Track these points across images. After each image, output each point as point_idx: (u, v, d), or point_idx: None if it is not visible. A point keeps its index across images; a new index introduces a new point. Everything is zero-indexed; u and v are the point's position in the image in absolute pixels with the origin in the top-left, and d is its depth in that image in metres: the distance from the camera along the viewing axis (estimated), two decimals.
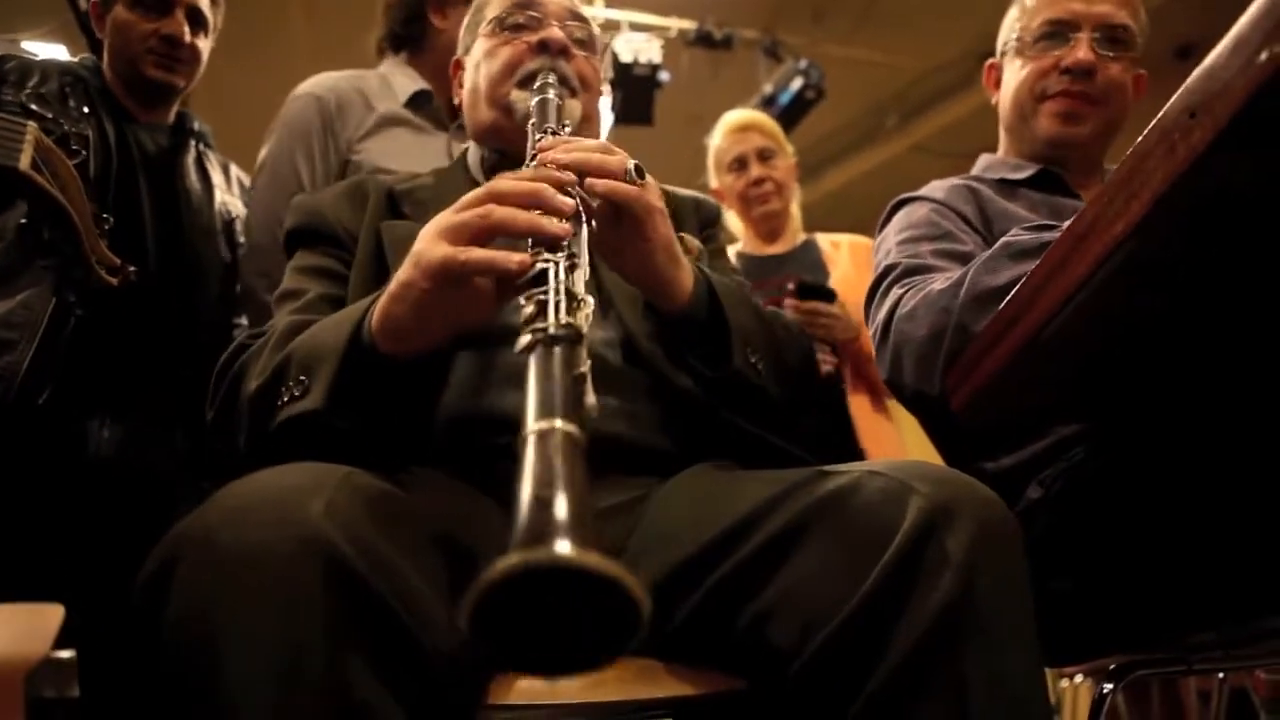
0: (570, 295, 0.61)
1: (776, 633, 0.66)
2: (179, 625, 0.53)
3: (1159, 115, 0.56)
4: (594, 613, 0.41)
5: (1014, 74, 1.31)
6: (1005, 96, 1.34)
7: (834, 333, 1.92)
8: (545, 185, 0.71)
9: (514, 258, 0.66)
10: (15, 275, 1.37)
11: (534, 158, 0.81)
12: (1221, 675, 1.47)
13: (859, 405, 1.97)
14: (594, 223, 0.75)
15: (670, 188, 1.19)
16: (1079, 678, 2.08)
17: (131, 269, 1.24)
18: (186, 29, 1.61)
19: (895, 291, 1.11)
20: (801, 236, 2.28)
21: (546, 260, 0.64)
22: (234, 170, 1.83)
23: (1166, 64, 3.95)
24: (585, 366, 0.55)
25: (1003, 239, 0.98)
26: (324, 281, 0.97)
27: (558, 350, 0.55)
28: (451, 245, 0.69)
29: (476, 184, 1.06)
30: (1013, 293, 0.78)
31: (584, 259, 0.67)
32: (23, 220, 1.13)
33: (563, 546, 0.40)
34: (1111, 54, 1.25)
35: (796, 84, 3.76)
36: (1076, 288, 0.68)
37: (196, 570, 0.54)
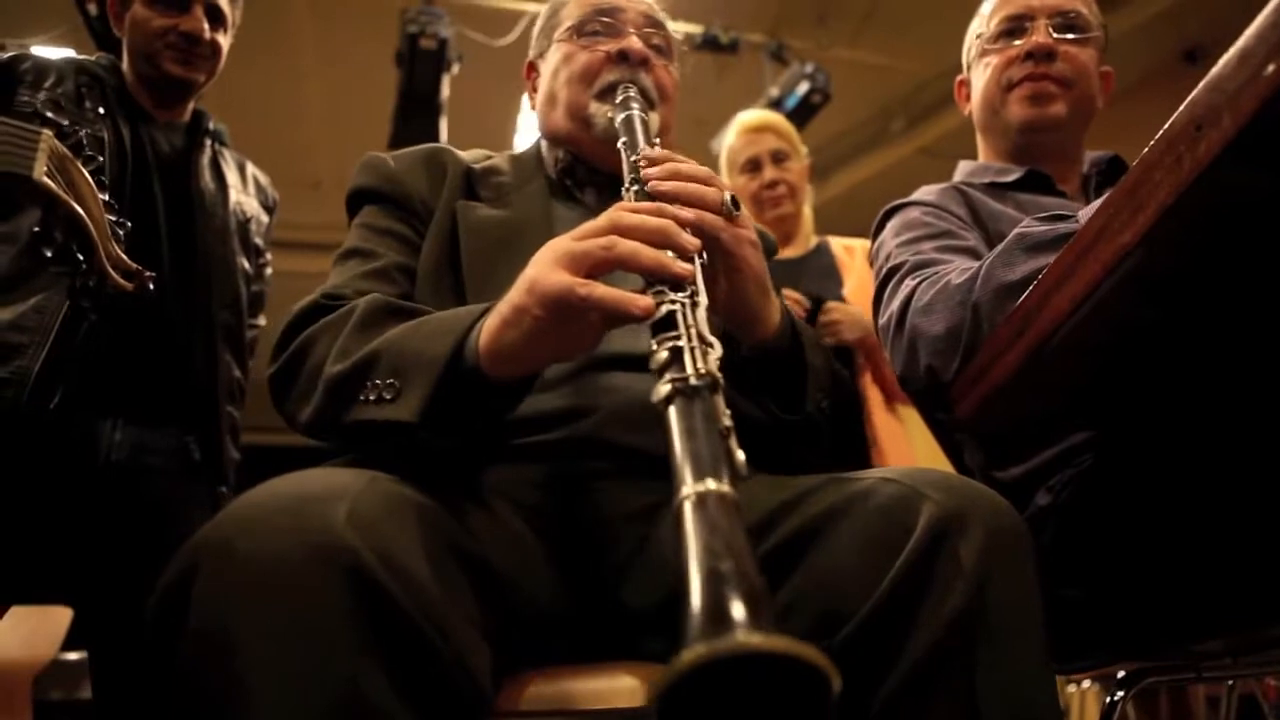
0: (701, 339, 0.59)
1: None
2: (198, 635, 0.53)
3: (1165, 127, 0.56)
4: (776, 689, 0.40)
5: (980, 76, 1.34)
6: (975, 99, 1.36)
7: (843, 333, 1.92)
8: (672, 224, 0.69)
9: (640, 301, 0.63)
10: (28, 279, 1.37)
11: (634, 180, 0.80)
12: (1230, 682, 1.47)
13: (873, 399, 1.96)
14: (704, 255, 0.73)
15: None
16: (1087, 683, 2.07)
17: (148, 274, 1.23)
18: (206, 25, 1.60)
19: (909, 283, 1.09)
20: (814, 240, 2.26)
21: (672, 301, 0.62)
22: (250, 168, 1.82)
23: (1175, 67, 3.93)
24: (728, 419, 0.53)
25: (1016, 231, 0.97)
26: (397, 246, 0.94)
27: (699, 402, 0.53)
28: (571, 275, 0.66)
29: (550, 181, 1.06)
30: (1019, 302, 0.78)
31: (704, 299, 0.65)
32: (36, 228, 1.13)
33: (747, 634, 0.38)
34: (1070, 38, 1.28)
35: (802, 88, 3.76)
36: (1083, 297, 0.68)
37: (216, 580, 0.54)
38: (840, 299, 2.04)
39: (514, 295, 0.69)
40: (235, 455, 1.68)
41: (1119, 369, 0.85)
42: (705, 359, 0.57)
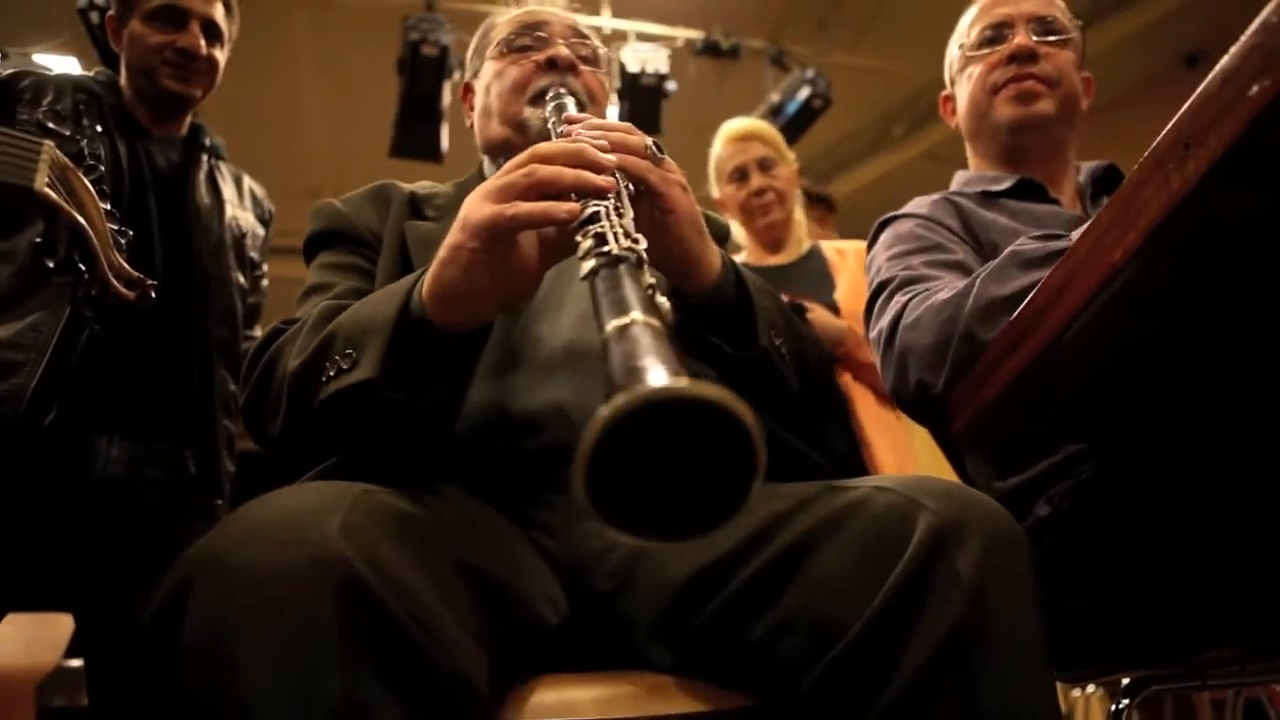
0: (625, 231, 0.60)
1: (788, 648, 0.66)
2: (195, 648, 0.53)
3: (1154, 145, 0.57)
4: (704, 463, 0.38)
5: (965, 85, 1.37)
6: (962, 108, 1.39)
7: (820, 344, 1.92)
8: (587, 145, 0.71)
9: (564, 205, 0.65)
10: (26, 297, 1.38)
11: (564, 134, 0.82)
12: (1236, 689, 1.47)
13: (863, 399, 1.96)
14: (630, 186, 0.74)
15: None
16: (1090, 687, 2.07)
17: (150, 283, 1.24)
18: (202, 41, 1.62)
19: (899, 299, 1.11)
20: (806, 244, 2.27)
21: (596, 205, 0.64)
22: (247, 181, 1.83)
23: (1175, 72, 3.94)
24: (652, 279, 0.54)
25: (1010, 248, 0.98)
26: (353, 276, 0.97)
27: (622, 268, 0.55)
28: (499, 204, 0.68)
29: None
30: (1013, 318, 0.79)
31: (629, 211, 0.66)
32: (37, 239, 1.13)
33: (671, 379, 0.37)
34: (1049, 39, 1.31)
35: (803, 93, 3.76)
36: (1075, 314, 0.68)
37: (211, 593, 0.54)
38: (833, 303, 2.04)
39: (449, 236, 0.72)
40: (231, 468, 1.69)
41: (1113, 383, 0.85)
42: (630, 240, 0.58)
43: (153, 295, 1.27)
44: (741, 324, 0.83)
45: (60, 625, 1.65)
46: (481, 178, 1.13)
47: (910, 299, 1.08)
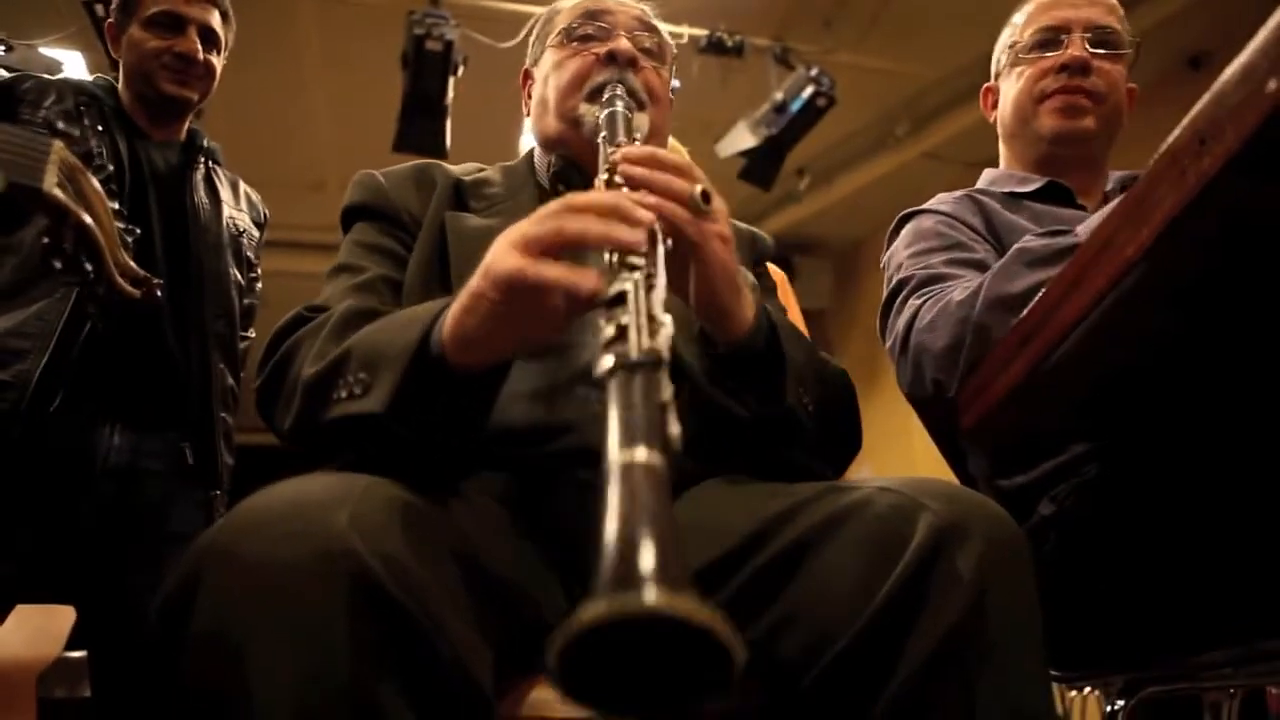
0: (650, 318, 0.58)
1: (789, 647, 0.66)
2: (203, 641, 0.53)
3: (1170, 141, 0.57)
4: (684, 656, 0.40)
5: (1011, 85, 1.34)
6: (1005, 108, 1.36)
7: None
8: (623, 199, 0.69)
9: (589, 278, 0.63)
10: (31, 286, 1.40)
11: (607, 170, 0.79)
12: (1233, 690, 1.46)
13: None
14: (670, 241, 0.72)
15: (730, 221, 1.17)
16: (1087, 688, 2.07)
17: (156, 281, 1.25)
18: (199, 46, 1.66)
19: (913, 303, 1.11)
20: None
21: (624, 279, 0.62)
22: (243, 186, 1.87)
23: (1179, 73, 3.93)
24: (668, 394, 0.53)
25: (1016, 246, 0.98)
26: (384, 261, 0.95)
27: (639, 377, 0.53)
28: (524, 257, 0.66)
29: (542, 188, 1.07)
30: (1025, 314, 0.79)
31: (661, 279, 0.64)
32: (44, 239, 1.14)
33: (651, 594, 0.38)
34: (1103, 52, 1.28)
35: (808, 91, 3.76)
36: (1087, 310, 0.68)
37: (220, 584, 0.54)
38: None
39: (472, 282, 0.70)
40: (229, 460, 1.72)
41: (1123, 381, 0.85)
42: (653, 336, 0.56)
43: (159, 294, 1.28)
44: (770, 376, 0.83)
45: (62, 616, 1.65)
46: (531, 166, 1.11)
47: (925, 301, 1.08)
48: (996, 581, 0.61)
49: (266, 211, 1.92)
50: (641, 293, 0.61)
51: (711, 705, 0.41)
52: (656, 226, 0.69)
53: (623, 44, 1.03)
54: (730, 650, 0.38)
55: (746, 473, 0.87)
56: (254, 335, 1.87)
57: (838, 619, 0.63)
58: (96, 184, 1.12)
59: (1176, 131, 0.56)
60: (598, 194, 0.70)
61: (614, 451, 0.47)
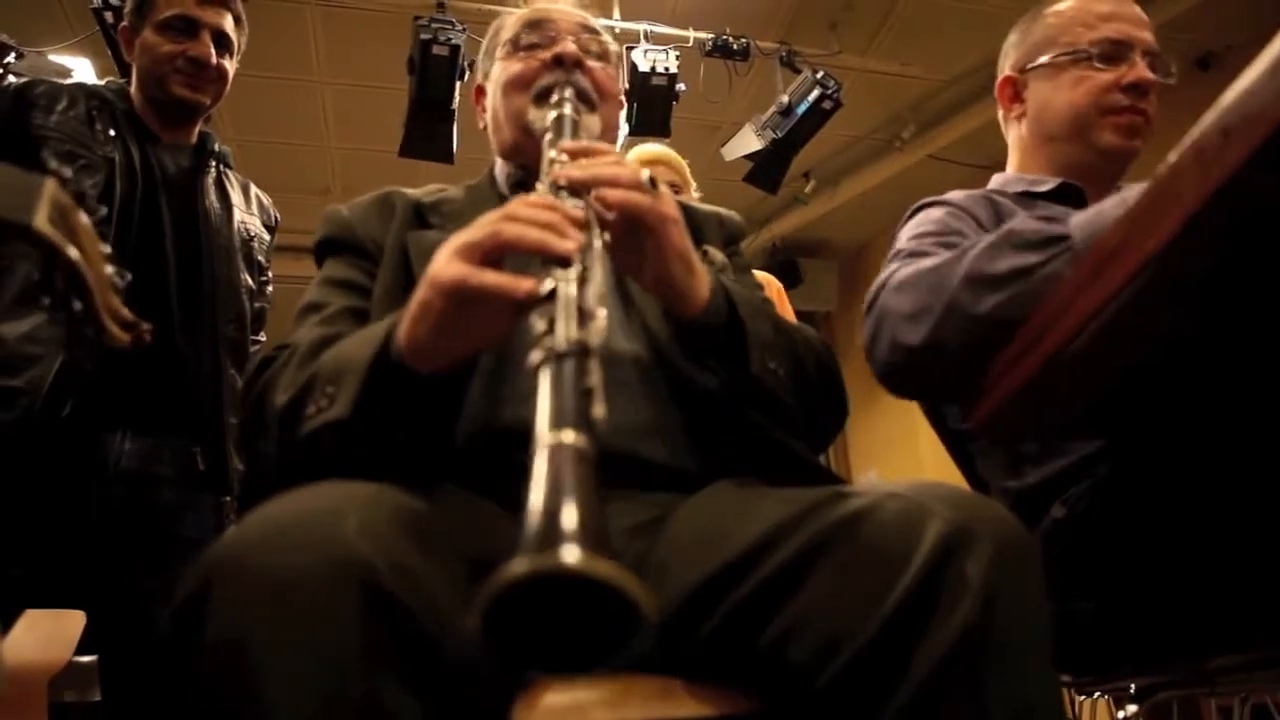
0: (581, 312, 0.62)
1: (797, 653, 0.65)
2: (214, 649, 0.53)
3: (1196, 136, 0.56)
4: (600, 615, 0.42)
5: (1066, 88, 1.31)
6: (1055, 109, 1.33)
7: None
8: (556, 202, 0.73)
9: (524, 283, 0.67)
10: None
11: (550, 175, 0.82)
12: (1243, 694, 1.45)
13: None
14: (608, 235, 0.76)
15: (693, 203, 1.19)
16: (1097, 693, 2.06)
17: (146, 326, 1.25)
18: (212, 50, 1.67)
19: (891, 266, 1.11)
20: None
21: (556, 277, 0.66)
22: (253, 189, 1.88)
23: (1187, 74, 3.92)
24: (595, 380, 0.57)
25: (1006, 227, 0.97)
26: (349, 294, 0.98)
27: (567, 365, 0.57)
28: (465, 265, 0.70)
29: (504, 199, 1.09)
30: (1041, 307, 0.78)
31: (597, 273, 0.68)
32: (35, 276, 1.14)
33: (570, 553, 0.41)
34: (1156, 79, 1.29)
35: (814, 94, 3.74)
36: (1105, 303, 0.67)
37: (231, 594, 0.54)
38: None
39: (419, 291, 0.74)
40: (240, 466, 1.71)
41: (1137, 379, 0.84)
42: (584, 329, 0.60)
43: (148, 339, 1.27)
44: (735, 347, 0.86)
45: (72, 621, 1.65)
46: (493, 180, 1.14)
47: (899, 267, 1.08)
48: (1006, 586, 0.61)
49: (277, 214, 1.92)
50: (572, 288, 0.64)
51: (616, 661, 0.46)
52: (594, 223, 0.73)
53: (568, 46, 1.06)
54: (638, 605, 0.41)
55: (742, 463, 0.88)
56: (265, 339, 1.87)
57: (848, 625, 0.62)
58: (88, 223, 1.12)
59: (1200, 126, 0.55)
60: (535, 199, 0.74)
61: (543, 434, 0.51)
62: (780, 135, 3.88)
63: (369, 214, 1.04)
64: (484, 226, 0.72)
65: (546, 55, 1.06)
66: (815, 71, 3.81)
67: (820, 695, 0.63)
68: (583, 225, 0.72)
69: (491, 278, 0.69)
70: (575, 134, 0.94)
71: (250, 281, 1.78)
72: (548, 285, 0.65)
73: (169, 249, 1.62)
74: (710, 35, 3.79)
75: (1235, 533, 0.86)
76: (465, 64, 3.38)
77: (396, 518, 0.61)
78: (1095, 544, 1.02)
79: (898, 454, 4.52)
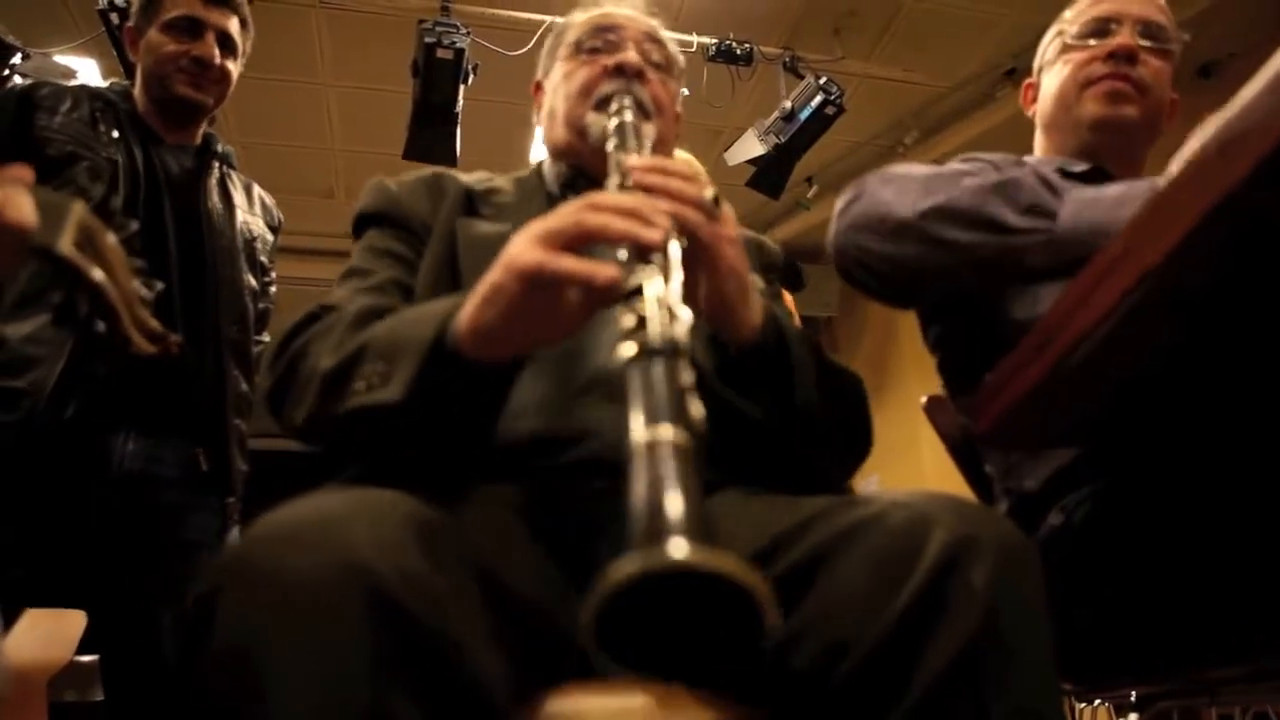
0: (668, 308, 0.60)
1: (801, 661, 0.65)
2: (222, 657, 0.53)
3: (1198, 151, 0.56)
4: (716, 615, 0.40)
5: (1056, 74, 1.33)
6: (1047, 96, 1.35)
7: None
8: (644, 199, 0.71)
9: (606, 269, 0.64)
10: (45, 294, 1.39)
11: (620, 175, 0.81)
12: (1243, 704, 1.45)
13: None
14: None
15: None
16: (1097, 700, 2.06)
17: (175, 338, 1.24)
18: (217, 51, 1.67)
19: (872, 177, 1.12)
20: None
21: (642, 273, 0.64)
22: (256, 190, 1.88)
23: (1190, 83, 3.93)
24: (689, 380, 0.54)
25: (1010, 177, 0.97)
26: (395, 266, 0.96)
27: (659, 363, 0.55)
28: (545, 251, 0.68)
29: (551, 196, 1.09)
30: (1043, 319, 0.78)
31: (677, 275, 0.66)
32: (57, 301, 1.14)
33: (679, 547, 0.38)
34: (1152, 45, 1.27)
35: (817, 100, 3.75)
36: (1107, 314, 0.67)
37: (240, 600, 0.54)
38: None
39: (492, 274, 0.71)
40: (243, 467, 1.72)
41: (1139, 390, 0.84)
42: (670, 325, 0.58)
43: (175, 350, 1.27)
44: (780, 377, 0.84)
45: (73, 621, 1.66)
46: (541, 176, 1.13)
47: (884, 178, 1.10)
48: (1009, 596, 0.61)
49: (280, 215, 1.92)
50: (660, 285, 0.62)
51: (747, 668, 0.41)
52: (671, 227, 0.71)
53: (631, 56, 1.05)
54: (761, 602, 0.39)
55: (759, 478, 0.87)
56: (268, 340, 1.87)
57: (852, 633, 0.62)
58: (115, 242, 1.11)
59: (1201, 138, 0.55)
60: (618, 194, 0.72)
61: (638, 431, 0.48)
62: (783, 140, 3.89)
63: (418, 192, 1.02)
64: (566, 214, 0.70)
65: (609, 62, 1.06)
66: (818, 77, 3.81)
67: (824, 701, 0.63)
68: (667, 221, 0.70)
69: (572, 263, 0.66)
70: (638, 140, 0.94)
71: (253, 282, 1.78)
72: (634, 280, 0.63)
73: (172, 250, 1.62)
74: (714, 40, 3.79)
75: (1234, 544, 0.87)
76: (469, 67, 3.39)
77: (407, 526, 0.60)
78: (1093, 552, 1.02)
79: (899, 460, 4.52)
